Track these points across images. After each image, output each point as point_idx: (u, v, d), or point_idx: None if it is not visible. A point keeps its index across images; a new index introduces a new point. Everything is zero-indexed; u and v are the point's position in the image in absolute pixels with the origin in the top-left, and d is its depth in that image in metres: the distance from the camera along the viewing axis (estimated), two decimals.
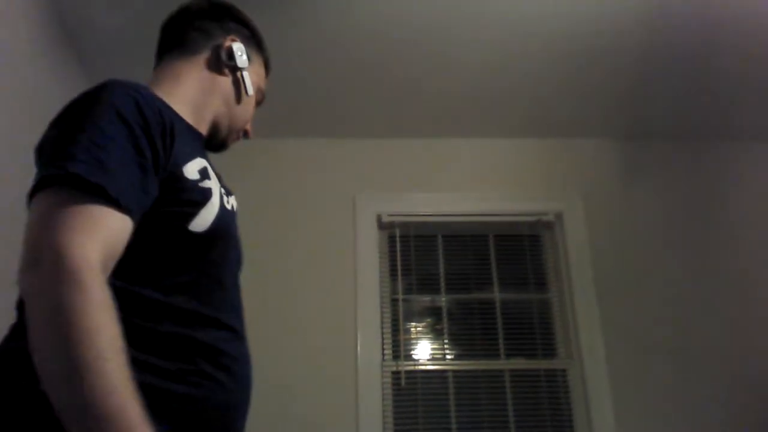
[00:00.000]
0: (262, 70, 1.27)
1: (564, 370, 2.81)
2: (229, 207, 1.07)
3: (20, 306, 0.88)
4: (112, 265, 0.83)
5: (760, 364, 2.77)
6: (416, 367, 2.79)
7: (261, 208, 2.84)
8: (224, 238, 1.03)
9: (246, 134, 1.28)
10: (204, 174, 1.02)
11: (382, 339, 2.79)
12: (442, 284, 2.95)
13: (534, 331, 2.89)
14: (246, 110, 1.24)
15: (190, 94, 1.14)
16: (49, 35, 2.32)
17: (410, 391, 2.74)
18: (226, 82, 1.18)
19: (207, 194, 0.99)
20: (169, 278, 0.95)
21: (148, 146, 0.91)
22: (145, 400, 0.74)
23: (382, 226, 2.97)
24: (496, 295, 2.93)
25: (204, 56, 1.17)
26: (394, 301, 2.88)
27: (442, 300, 2.93)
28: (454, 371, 2.79)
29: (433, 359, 2.84)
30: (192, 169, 0.99)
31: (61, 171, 0.82)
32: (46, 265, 0.75)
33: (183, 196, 0.96)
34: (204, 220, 0.97)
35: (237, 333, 1.03)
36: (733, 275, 2.92)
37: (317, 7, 2.36)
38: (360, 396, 2.63)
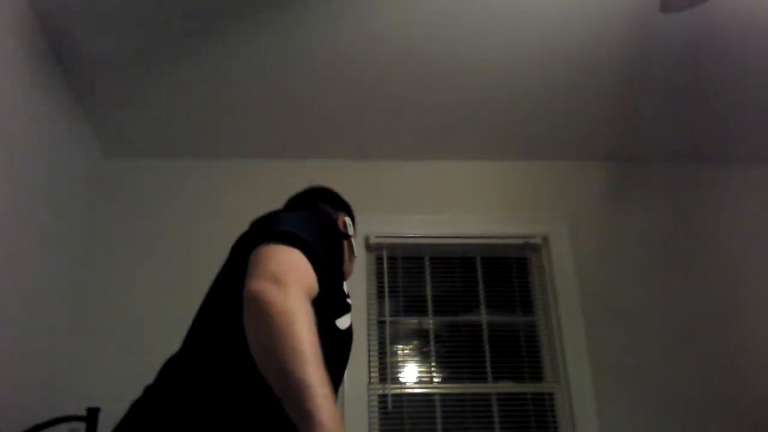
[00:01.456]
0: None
1: (551, 394, 2.80)
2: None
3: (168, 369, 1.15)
4: None
5: (745, 389, 2.77)
6: (403, 391, 2.77)
7: None
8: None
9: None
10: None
11: (369, 361, 2.77)
12: (430, 306, 2.94)
13: (521, 354, 2.88)
14: (352, 266, 1.67)
15: None
16: (37, 57, 2.31)
17: (397, 415, 2.71)
18: (344, 245, 1.48)
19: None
20: None
21: None
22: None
23: (369, 247, 2.97)
24: (484, 317, 2.93)
25: None
26: (381, 323, 2.87)
27: (430, 322, 2.92)
28: (441, 394, 2.78)
29: (420, 382, 2.82)
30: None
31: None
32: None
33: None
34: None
35: None
36: (718, 298, 2.94)
37: (309, 29, 2.38)
38: (346, 419, 2.61)
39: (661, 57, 2.56)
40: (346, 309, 1.31)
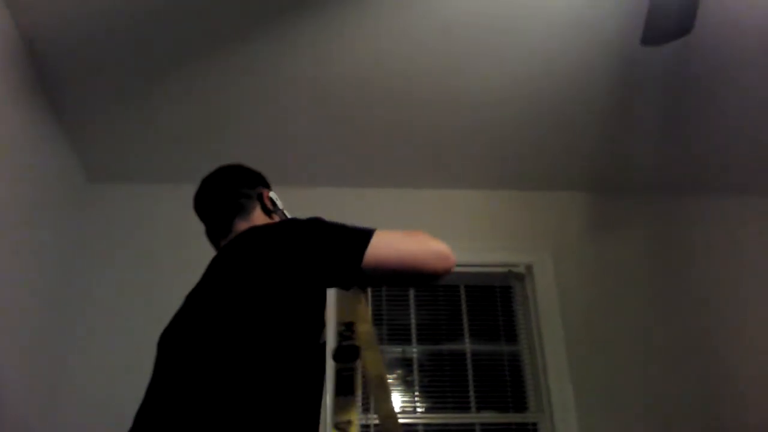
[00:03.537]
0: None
1: (535, 424, 2.78)
2: None
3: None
4: None
5: (731, 419, 2.77)
6: None
7: None
8: None
9: None
10: None
11: None
12: (414, 335, 2.92)
13: (505, 383, 2.87)
14: None
15: None
16: (22, 83, 2.31)
17: None
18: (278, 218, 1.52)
19: None
20: None
21: None
22: None
23: None
24: (468, 346, 2.92)
25: (257, 211, 1.52)
26: None
27: (413, 351, 2.90)
28: (424, 425, 2.75)
29: (403, 412, 2.79)
30: None
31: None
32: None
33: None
34: None
35: None
36: (702, 329, 2.95)
37: (297, 57, 2.40)
38: None
39: (643, 89, 2.60)
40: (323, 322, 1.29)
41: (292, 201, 3.04)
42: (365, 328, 1.27)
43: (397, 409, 2.78)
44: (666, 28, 1.93)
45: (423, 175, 3.08)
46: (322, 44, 2.34)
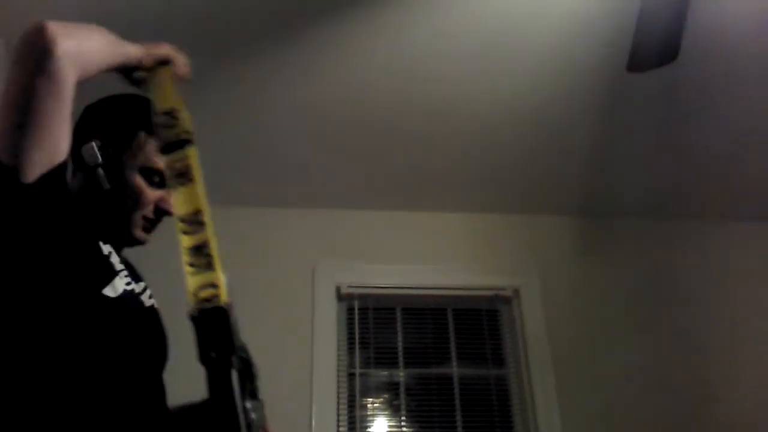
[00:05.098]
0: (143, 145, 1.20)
1: None
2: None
3: None
4: None
5: None
6: None
7: None
8: None
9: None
10: None
11: (338, 415, 2.70)
12: (401, 358, 2.90)
13: (492, 407, 2.84)
14: (145, 193, 1.21)
15: None
16: None
17: None
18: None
19: None
20: None
21: None
22: None
23: (341, 297, 2.94)
24: (455, 370, 2.90)
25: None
26: (351, 375, 2.82)
27: (400, 375, 2.88)
28: None
29: None
30: None
31: None
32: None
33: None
34: None
35: None
36: (691, 353, 2.95)
37: (282, 79, 2.40)
38: None
39: (630, 114, 2.63)
40: (110, 273, 1.06)
41: (283, 222, 3.05)
42: (188, 115, 1.04)
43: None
44: (651, 56, 1.96)
45: (411, 198, 3.08)
46: (312, 68, 2.35)
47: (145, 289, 1.18)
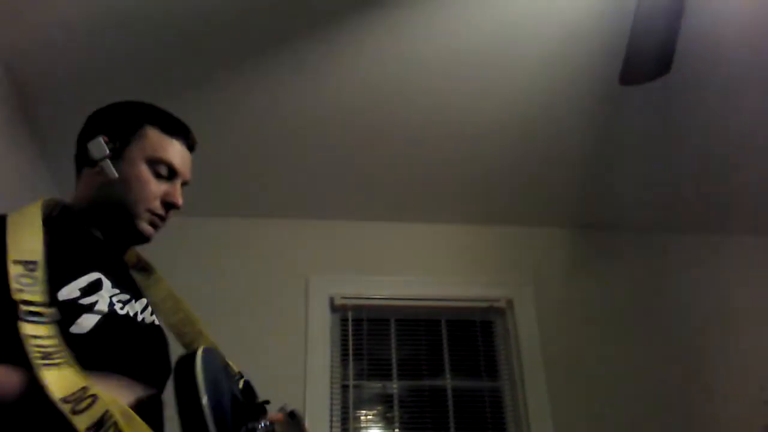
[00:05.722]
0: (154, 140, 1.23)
1: None
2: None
3: None
4: None
5: None
6: None
7: (213, 288, 2.77)
8: None
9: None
10: None
11: (331, 427, 2.69)
12: (394, 370, 2.89)
13: (486, 419, 2.83)
14: (150, 190, 1.21)
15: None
16: (5, 112, 2.29)
17: None
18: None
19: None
20: None
21: None
22: None
23: (334, 308, 2.93)
24: (448, 381, 2.89)
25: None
26: (345, 387, 2.80)
27: (394, 386, 2.86)
28: None
29: None
30: None
31: None
32: None
33: None
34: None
35: None
36: (685, 366, 2.96)
37: (278, 90, 2.41)
38: None
39: (626, 126, 2.64)
40: (79, 309, 0.99)
41: (277, 233, 3.04)
42: None
43: None
44: (644, 69, 1.97)
45: (405, 209, 3.09)
46: (310, 81, 2.36)
47: (146, 307, 1.16)
